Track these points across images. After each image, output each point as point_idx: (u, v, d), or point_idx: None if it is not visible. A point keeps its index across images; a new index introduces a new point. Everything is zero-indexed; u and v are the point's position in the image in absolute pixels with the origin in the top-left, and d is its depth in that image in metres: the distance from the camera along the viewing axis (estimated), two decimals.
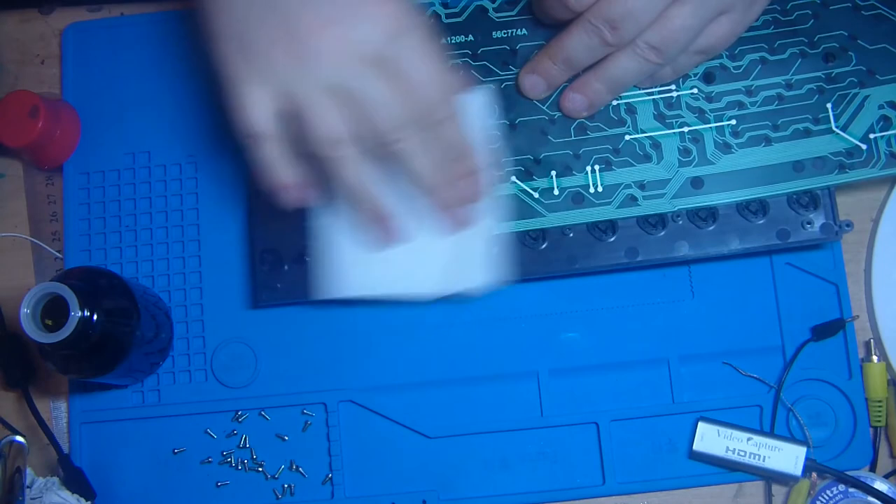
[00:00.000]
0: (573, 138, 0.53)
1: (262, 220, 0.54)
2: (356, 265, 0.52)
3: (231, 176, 0.58)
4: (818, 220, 0.52)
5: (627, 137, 0.53)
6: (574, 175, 0.53)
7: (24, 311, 0.48)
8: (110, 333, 0.50)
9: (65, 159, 0.59)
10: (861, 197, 0.57)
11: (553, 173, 0.53)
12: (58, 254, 0.60)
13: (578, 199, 0.53)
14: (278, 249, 0.54)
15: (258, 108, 0.45)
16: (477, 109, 0.52)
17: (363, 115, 0.45)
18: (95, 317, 0.49)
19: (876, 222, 0.56)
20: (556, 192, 0.53)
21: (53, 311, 0.48)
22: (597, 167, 0.53)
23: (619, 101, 0.53)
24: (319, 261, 0.52)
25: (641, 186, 0.52)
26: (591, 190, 0.53)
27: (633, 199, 0.52)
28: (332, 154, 0.45)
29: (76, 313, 0.48)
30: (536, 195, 0.53)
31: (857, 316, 0.55)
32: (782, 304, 0.55)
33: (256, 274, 0.54)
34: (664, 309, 0.56)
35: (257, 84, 0.45)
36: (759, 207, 0.52)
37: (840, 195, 0.53)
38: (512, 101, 0.54)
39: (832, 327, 0.54)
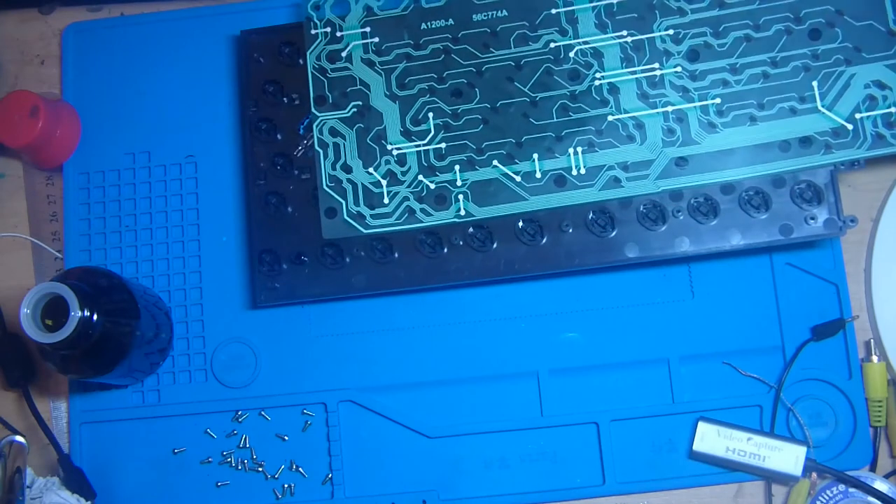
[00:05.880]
0: (555, 120, 0.53)
1: (261, 221, 0.54)
2: None
3: (231, 177, 0.58)
4: (822, 215, 0.51)
5: (610, 118, 0.52)
6: (556, 157, 0.52)
7: (24, 311, 0.48)
8: (110, 333, 0.50)
9: (65, 159, 0.59)
10: (861, 196, 0.57)
11: (535, 156, 0.52)
12: (58, 254, 0.60)
13: (561, 181, 0.52)
14: (277, 250, 0.54)
15: None
16: None
17: None
18: (95, 317, 0.49)
19: (876, 222, 0.56)
20: (538, 175, 0.52)
21: (53, 311, 0.48)
22: (579, 149, 0.52)
23: (602, 81, 0.52)
24: None
25: (625, 168, 0.52)
26: (574, 172, 0.52)
27: (616, 181, 0.51)
28: None
29: (76, 313, 0.48)
30: (518, 179, 0.52)
31: (857, 316, 0.55)
32: (782, 304, 0.55)
33: (256, 274, 0.54)
34: (664, 309, 0.56)
35: None
36: (761, 202, 0.51)
37: (840, 193, 0.53)
38: (493, 85, 0.53)
39: (832, 327, 0.54)
